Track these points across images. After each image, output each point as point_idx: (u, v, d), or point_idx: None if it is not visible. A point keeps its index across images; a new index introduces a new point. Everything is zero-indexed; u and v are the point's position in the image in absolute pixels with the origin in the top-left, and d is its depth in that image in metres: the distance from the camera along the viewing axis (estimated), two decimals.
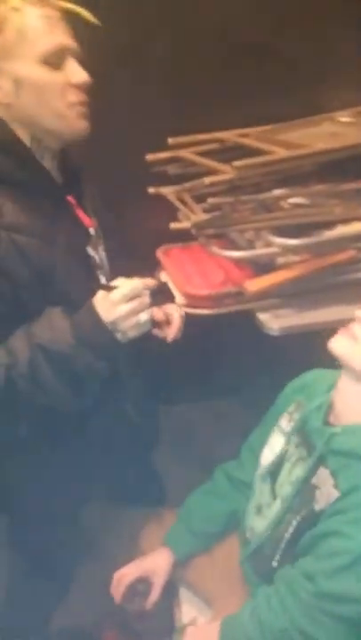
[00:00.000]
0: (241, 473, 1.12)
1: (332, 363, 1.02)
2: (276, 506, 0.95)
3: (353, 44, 1.54)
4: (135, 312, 0.87)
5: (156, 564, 1.09)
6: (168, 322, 1.15)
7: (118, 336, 0.88)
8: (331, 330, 0.99)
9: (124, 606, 1.08)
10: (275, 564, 0.93)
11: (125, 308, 0.86)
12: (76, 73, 0.89)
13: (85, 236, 1.01)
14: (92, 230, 1.03)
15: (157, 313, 1.12)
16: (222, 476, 1.14)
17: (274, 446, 1.01)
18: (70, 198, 0.98)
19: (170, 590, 1.12)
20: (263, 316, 1.35)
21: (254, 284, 1.32)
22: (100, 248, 1.06)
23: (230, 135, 1.48)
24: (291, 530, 0.90)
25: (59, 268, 0.91)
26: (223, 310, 1.38)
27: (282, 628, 0.86)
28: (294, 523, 0.90)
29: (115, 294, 0.87)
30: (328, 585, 0.82)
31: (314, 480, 0.89)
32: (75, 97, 0.90)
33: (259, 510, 1.00)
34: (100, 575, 1.09)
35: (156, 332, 1.14)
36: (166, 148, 1.49)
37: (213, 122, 1.50)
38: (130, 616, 1.09)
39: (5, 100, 0.88)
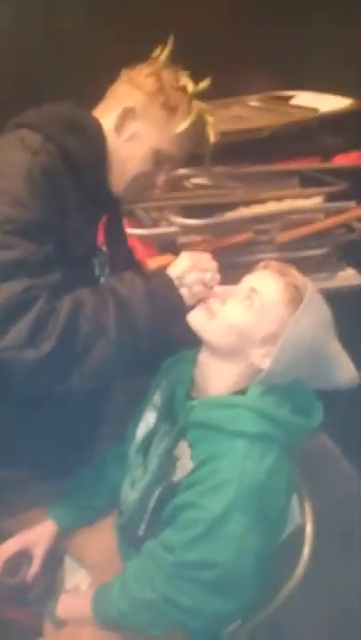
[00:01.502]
0: (125, 447, 1.13)
1: None
2: (146, 478, 0.97)
3: (268, 30, 1.55)
4: (199, 268, 0.92)
5: (37, 535, 1.09)
6: None
7: (184, 292, 0.90)
8: None
9: (3, 581, 1.09)
10: (140, 533, 0.96)
11: (189, 261, 0.92)
12: (161, 180, 1.01)
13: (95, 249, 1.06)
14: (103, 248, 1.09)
15: None
16: (107, 452, 1.16)
17: (147, 421, 1.03)
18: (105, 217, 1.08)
19: (55, 560, 1.14)
20: None
21: (155, 262, 1.33)
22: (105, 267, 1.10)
23: None
24: (153, 500, 0.93)
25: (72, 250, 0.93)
26: None
27: (150, 599, 0.89)
28: (156, 493, 0.92)
29: (182, 255, 0.95)
30: (186, 555, 0.85)
31: (176, 452, 0.91)
32: (145, 186, 1.02)
33: (132, 484, 1.02)
34: None
35: None
36: None
37: None
38: (10, 590, 1.11)
39: (120, 132, 0.95)
